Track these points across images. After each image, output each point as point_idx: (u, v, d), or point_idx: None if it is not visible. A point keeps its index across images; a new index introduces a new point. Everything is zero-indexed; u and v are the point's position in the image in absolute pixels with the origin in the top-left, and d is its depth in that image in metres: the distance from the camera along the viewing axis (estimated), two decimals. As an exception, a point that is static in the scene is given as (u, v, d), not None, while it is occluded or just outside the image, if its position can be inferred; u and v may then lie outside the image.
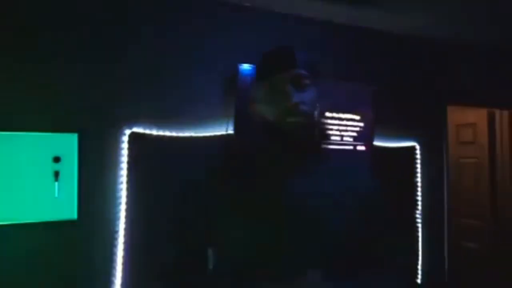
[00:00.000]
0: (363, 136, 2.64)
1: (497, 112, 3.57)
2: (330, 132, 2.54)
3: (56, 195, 1.99)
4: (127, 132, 2.16)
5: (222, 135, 2.32)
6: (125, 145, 2.14)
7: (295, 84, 0.95)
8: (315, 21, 2.69)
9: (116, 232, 2.09)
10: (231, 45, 2.41)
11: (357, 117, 2.62)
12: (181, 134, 2.26)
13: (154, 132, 2.20)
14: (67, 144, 2.03)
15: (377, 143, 2.77)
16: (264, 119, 0.97)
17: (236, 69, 2.26)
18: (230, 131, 2.29)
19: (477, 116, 3.63)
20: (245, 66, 2.28)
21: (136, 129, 2.17)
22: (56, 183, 1.99)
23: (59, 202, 2.00)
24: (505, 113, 3.51)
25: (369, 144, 2.66)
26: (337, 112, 2.56)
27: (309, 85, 0.97)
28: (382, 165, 2.74)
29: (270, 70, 0.97)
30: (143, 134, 2.18)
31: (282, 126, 0.94)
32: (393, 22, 2.76)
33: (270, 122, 0.96)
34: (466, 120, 3.73)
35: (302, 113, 0.93)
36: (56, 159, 2.00)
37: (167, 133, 2.23)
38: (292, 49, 0.99)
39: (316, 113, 0.98)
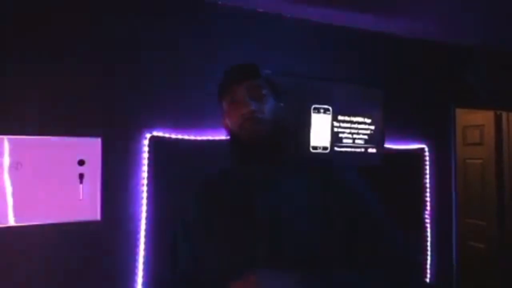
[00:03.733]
0: (374, 139, 2.69)
1: (504, 114, 3.61)
2: (342, 135, 2.60)
3: (81, 197, 2.07)
4: (148, 135, 2.24)
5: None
6: (145, 148, 2.22)
7: (252, 94, 0.96)
8: (327, 27, 2.76)
9: (138, 232, 2.18)
10: (245, 52, 2.48)
11: (369, 120, 2.67)
12: (198, 137, 2.34)
13: (173, 135, 2.28)
14: (91, 148, 2.10)
15: (387, 145, 2.83)
16: (232, 132, 1.01)
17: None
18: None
19: (484, 117, 3.67)
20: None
21: (156, 133, 2.25)
22: (81, 186, 2.08)
23: (84, 204, 2.08)
24: (512, 115, 3.57)
25: (380, 147, 2.71)
26: (349, 115, 2.61)
27: (266, 96, 0.98)
28: (392, 167, 2.81)
29: (231, 83, 0.99)
30: (163, 138, 2.26)
31: (241, 135, 0.96)
32: (402, 26, 2.83)
33: (235, 134, 0.99)
34: (474, 122, 3.77)
35: (258, 120, 0.94)
36: (81, 162, 2.08)
37: (185, 137, 2.31)
38: (255, 64, 1.02)
39: (278, 122, 0.98)
